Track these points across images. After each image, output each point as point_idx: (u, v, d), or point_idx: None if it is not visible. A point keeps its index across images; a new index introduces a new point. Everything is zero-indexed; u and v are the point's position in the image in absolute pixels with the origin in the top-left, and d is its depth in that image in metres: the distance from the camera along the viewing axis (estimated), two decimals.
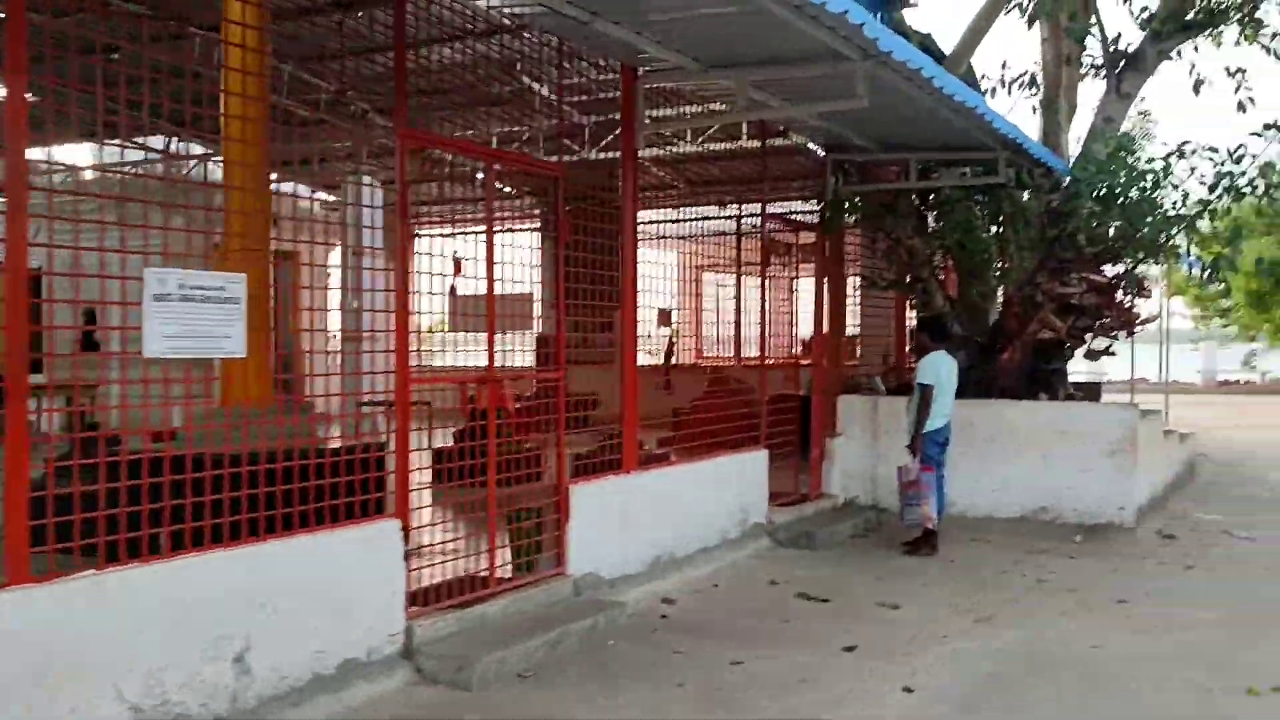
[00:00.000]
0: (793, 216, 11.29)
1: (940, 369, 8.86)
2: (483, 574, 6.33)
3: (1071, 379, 11.43)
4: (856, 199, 10.66)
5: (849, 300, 11.73)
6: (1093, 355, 10.56)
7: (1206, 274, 9.68)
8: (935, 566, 8.61)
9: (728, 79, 7.27)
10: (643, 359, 18.36)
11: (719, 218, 13.29)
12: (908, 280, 10.88)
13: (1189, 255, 10.29)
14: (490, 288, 6.20)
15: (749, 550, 8.74)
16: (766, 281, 9.62)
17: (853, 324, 12.10)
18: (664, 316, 19.23)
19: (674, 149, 13.74)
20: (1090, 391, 14.48)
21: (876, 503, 10.36)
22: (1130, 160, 9.59)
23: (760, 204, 9.72)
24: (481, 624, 5.99)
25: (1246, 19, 10.51)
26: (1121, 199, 9.40)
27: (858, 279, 11.85)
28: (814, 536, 9.14)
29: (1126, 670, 6.03)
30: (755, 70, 7.05)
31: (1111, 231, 9.60)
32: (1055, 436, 9.86)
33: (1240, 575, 8.44)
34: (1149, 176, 9.29)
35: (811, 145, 10.52)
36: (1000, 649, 6.44)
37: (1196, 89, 11.30)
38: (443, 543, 6.30)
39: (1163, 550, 9.26)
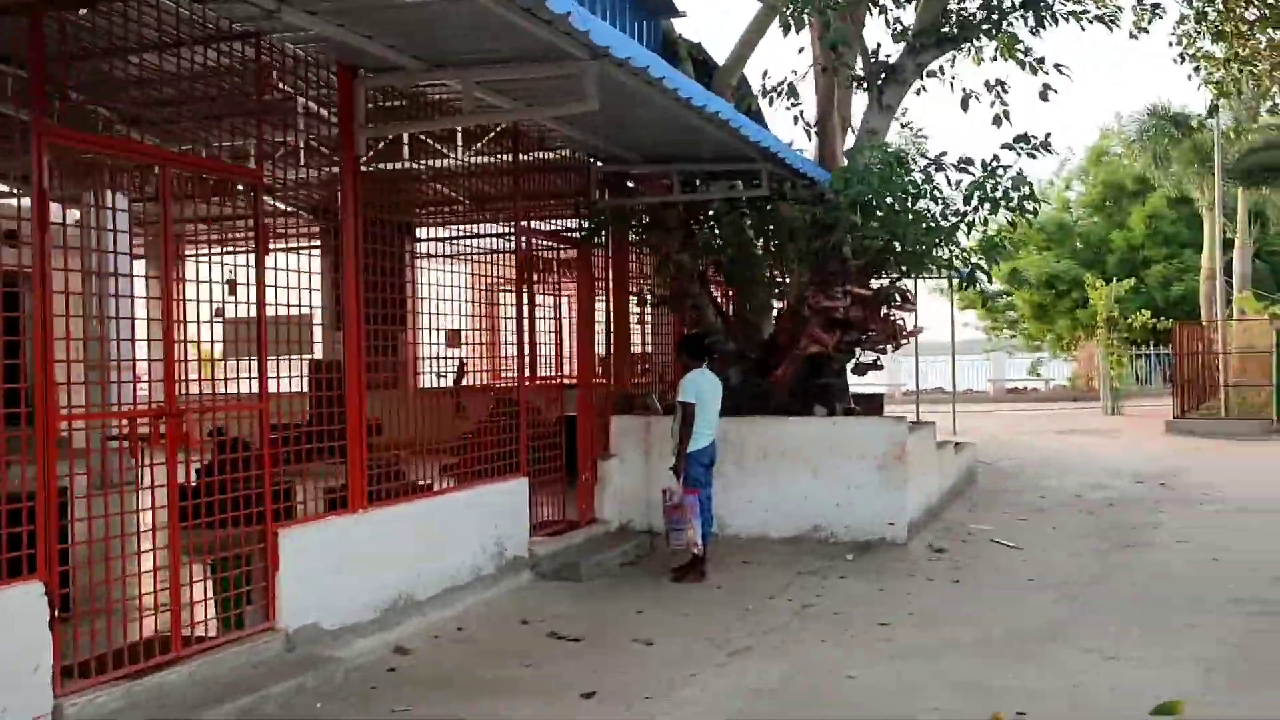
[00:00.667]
0: (569, 233, 10.82)
1: (702, 386, 8.50)
2: (175, 635, 5.53)
3: (864, 390, 11.36)
4: (622, 212, 10.28)
5: (640, 318, 11.37)
6: (860, 369, 10.45)
7: (962, 284, 9.70)
8: (701, 594, 8.22)
9: (452, 79, 6.71)
10: (433, 381, 17.57)
11: (483, 235, 12.63)
12: (680, 296, 10.54)
13: (963, 267, 10.25)
14: (168, 308, 5.44)
15: (505, 587, 8.15)
16: (524, 299, 9.09)
17: (644, 343, 11.75)
18: (454, 336, 18.51)
19: (444, 162, 13.04)
20: (873, 404, 14.57)
21: (651, 527, 9.93)
22: (889, 172, 9.49)
23: (516, 218, 9.17)
24: (159, 695, 5.19)
25: (997, 32, 10.66)
26: (881, 211, 9.30)
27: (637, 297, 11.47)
28: (579, 567, 8.63)
29: (878, 702, 5.74)
30: (481, 70, 6.52)
31: (877, 244, 9.49)
32: (826, 452, 9.69)
33: (1005, 588, 8.37)
34: (909, 188, 9.21)
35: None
36: (752, 685, 6.07)
37: (964, 105, 11.41)
38: (121, 600, 5.47)
39: (932, 565, 9.15)
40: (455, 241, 14.95)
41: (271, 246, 10.96)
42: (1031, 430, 22.51)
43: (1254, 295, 30.36)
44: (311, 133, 8.24)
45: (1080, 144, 67.83)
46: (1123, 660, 6.35)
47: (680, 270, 10.25)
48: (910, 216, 9.24)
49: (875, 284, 10.32)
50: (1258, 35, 12.84)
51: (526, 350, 9.33)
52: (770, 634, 7.08)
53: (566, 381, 9.98)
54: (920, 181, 9.29)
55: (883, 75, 10.54)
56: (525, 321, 9.21)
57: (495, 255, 12.52)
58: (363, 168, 7.31)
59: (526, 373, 9.18)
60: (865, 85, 10.56)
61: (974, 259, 9.52)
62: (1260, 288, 34.86)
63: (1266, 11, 12.10)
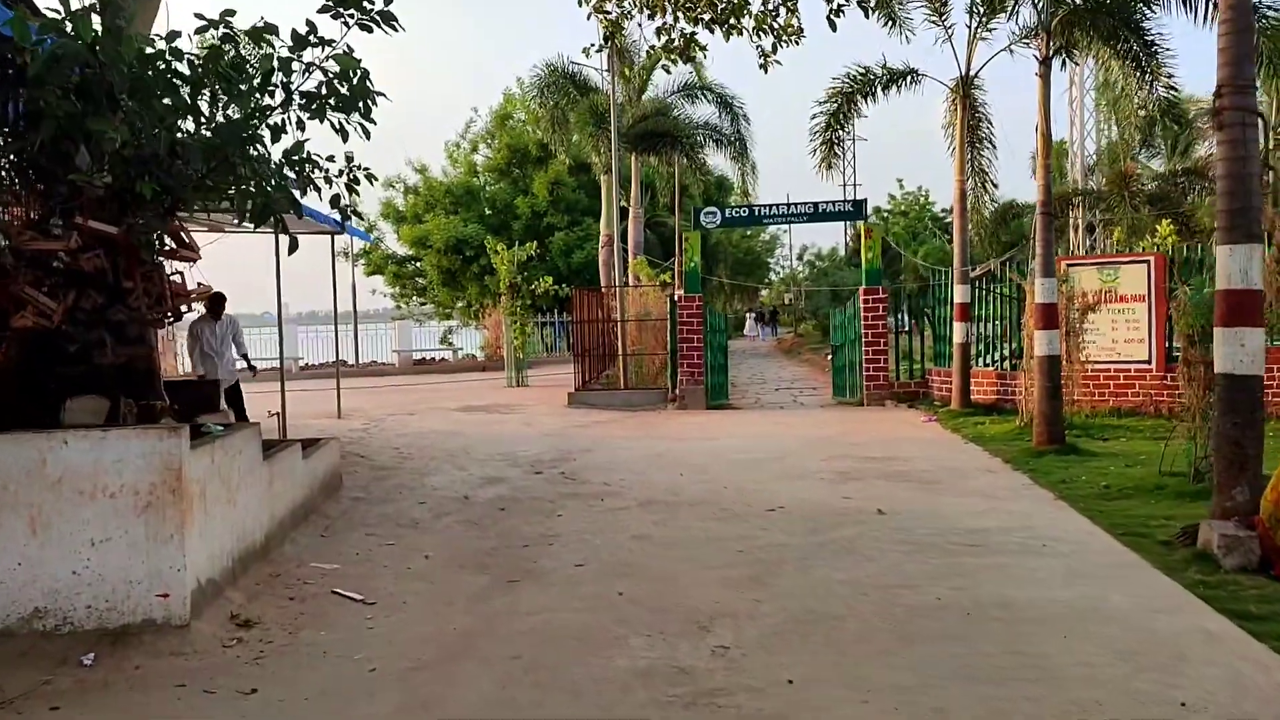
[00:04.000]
0: None
1: None
2: None
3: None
4: None
5: None
6: (124, 344, 6.80)
7: (253, 220, 6.39)
8: None
9: None
10: None
11: None
12: None
13: (276, 198, 6.81)
14: None
15: None
16: None
17: None
18: None
19: None
20: (200, 395, 10.94)
21: None
22: (173, 50, 5.95)
23: None
24: None
25: None
26: (137, 98, 5.74)
27: None
28: None
29: None
30: None
31: (125, 152, 5.88)
32: (52, 492, 5.99)
33: (322, 697, 5.31)
34: (166, 61, 5.73)
35: None
36: None
37: None
38: None
39: (225, 656, 5.88)
40: None
41: None
42: (431, 407, 20.15)
43: (647, 262, 30.87)
44: None
45: (486, 107, 67.99)
46: None
47: None
48: (174, 109, 5.78)
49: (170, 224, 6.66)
50: None
51: None
52: None
53: None
54: (195, 55, 5.82)
55: None
56: None
57: None
58: None
59: None
60: None
61: (284, 183, 6.27)
62: (651, 255, 36.04)
63: None
